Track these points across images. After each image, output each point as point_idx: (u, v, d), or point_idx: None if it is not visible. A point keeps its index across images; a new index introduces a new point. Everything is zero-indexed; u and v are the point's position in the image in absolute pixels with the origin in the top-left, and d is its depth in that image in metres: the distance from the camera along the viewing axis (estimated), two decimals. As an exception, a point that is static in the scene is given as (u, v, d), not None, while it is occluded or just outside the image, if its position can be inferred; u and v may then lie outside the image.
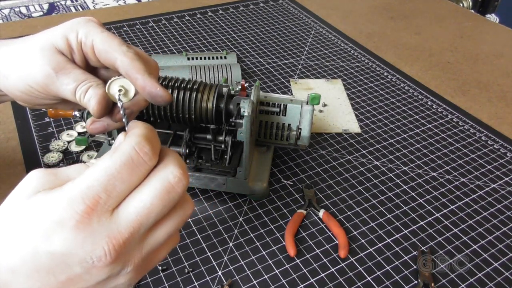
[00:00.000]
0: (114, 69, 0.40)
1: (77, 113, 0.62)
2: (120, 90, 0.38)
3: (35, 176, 0.29)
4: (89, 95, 0.38)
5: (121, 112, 0.37)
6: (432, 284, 0.53)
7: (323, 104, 0.83)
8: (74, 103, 0.42)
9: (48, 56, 0.39)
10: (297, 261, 0.55)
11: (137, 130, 0.30)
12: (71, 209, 0.26)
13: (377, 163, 0.71)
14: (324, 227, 0.60)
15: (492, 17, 1.61)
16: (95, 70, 0.43)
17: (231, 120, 0.56)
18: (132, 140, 0.29)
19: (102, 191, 0.27)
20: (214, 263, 0.54)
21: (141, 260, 0.30)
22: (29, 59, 0.40)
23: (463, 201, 0.65)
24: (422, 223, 0.61)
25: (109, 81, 0.38)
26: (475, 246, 0.59)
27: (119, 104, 0.37)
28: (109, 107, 0.39)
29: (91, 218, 0.27)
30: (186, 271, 0.53)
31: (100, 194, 0.27)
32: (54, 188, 0.28)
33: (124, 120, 0.36)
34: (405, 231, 0.60)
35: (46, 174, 0.29)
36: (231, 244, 0.57)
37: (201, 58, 0.87)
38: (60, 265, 0.27)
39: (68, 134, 0.72)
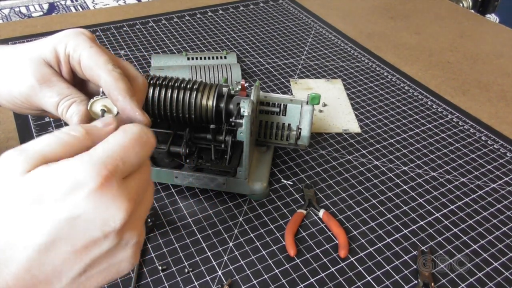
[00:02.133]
0: (97, 86, 0.40)
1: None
2: (102, 110, 0.38)
3: (17, 159, 0.27)
4: (71, 111, 0.38)
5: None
6: (432, 284, 0.53)
7: (323, 104, 0.83)
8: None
9: (34, 67, 0.39)
10: (297, 261, 0.55)
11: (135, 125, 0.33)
12: (94, 172, 0.27)
13: (377, 163, 0.71)
14: (324, 227, 0.60)
15: (492, 17, 1.61)
16: (84, 82, 0.43)
17: (231, 120, 0.56)
18: (138, 125, 0.32)
19: (120, 160, 0.29)
20: (214, 263, 0.54)
21: (142, 232, 0.31)
22: (15, 69, 0.40)
23: (463, 201, 0.65)
24: (422, 223, 0.61)
25: (91, 100, 0.38)
26: (475, 246, 0.59)
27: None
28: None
29: (111, 182, 0.28)
30: (186, 270, 0.53)
31: (119, 162, 0.29)
32: (41, 165, 0.27)
33: None
34: (405, 231, 0.60)
35: (26, 155, 0.28)
36: (231, 244, 0.57)
37: (201, 58, 0.87)
38: (80, 231, 0.27)
39: (68, 134, 0.72)
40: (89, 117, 0.38)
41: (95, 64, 0.38)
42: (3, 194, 0.27)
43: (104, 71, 0.38)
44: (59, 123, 0.74)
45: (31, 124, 0.74)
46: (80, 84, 0.42)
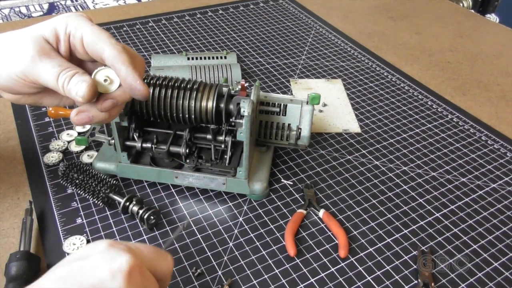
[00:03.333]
0: (100, 61, 0.41)
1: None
2: (105, 80, 0.39)
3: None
4: (76, 80, 0.39)
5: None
6: (432, 284, 0.53)
7: (323, 104, 0.83)
8: (54, 97, 0.43)
9: (34, 42, 0.40)
10: (297, 261, 0.55)
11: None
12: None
13: (377, 163, 0.71)
14: (324, 227, 0.60)
15: (492, 17, 1.61)
16: (80, 63, 0.44)
17: (231, 120, 0.57)
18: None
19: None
20: (214, 263, 0.54)
21: None
22: (16, 46, 0.41)
23: (463, 201, 0.65)
24: (422, 223, 0.61)
25: (96, 70, 0.40)
26: (475, 246, 0.59)
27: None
28: (96, 94, 0.40)
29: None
30: (193, 271, 0.53)
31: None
32: None
33: None
34: (405, 231, 0.60)
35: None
36: (231, 244, 0.57)
37: (201, 58, 0.87)
38: None
39: (68, 134, 0.72)
40: (95, 85, 0.39)
41: (98, 39, 0.40)
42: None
43: (107, 44, 0.40)
44: (58, 123, 0.74)
45: (31, 124, 0.74)
46: (78, 65, 0.43)
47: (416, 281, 0.54)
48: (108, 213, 0.59)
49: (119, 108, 0.44)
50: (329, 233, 0.59)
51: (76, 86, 0.39)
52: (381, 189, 0.66)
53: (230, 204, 0.62)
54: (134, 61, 0.42)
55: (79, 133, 0.72)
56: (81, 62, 0.44)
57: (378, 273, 0.54)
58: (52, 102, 0.46)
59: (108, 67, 0.40)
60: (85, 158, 0.67)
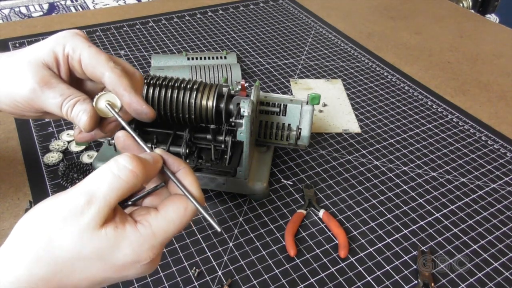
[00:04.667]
0: (101, 83, 0.41)
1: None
2: (107, 105, 0.39)
3: (83, 209, 0.31)
4: (77, 110, 0.39)
5: (119, 119, 0.39)
6: (432, 284, 0.53)
7: (323, 104, 0.83)
8: (54, 115, 0.43)
9: (33, 70, 0.40)
10: (297, 261, 0.55)
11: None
12: (152, 253, 0.33)
13: (377, 163, 0.71)
14: (324, 227, 0.60)
15: (492, 17, 1.61)
16: (80, 81, 0.44)
17: (231, 120, 0.56)
18: (193, 204, 0.35)
19: (173, 235, 0.34)
20: (214, 263, 0.54)
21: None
22: (15, 74, 0.40)
23: (463, 201, 0.65)
24: (422, 223, 0.61)
25: (96, 96, 0.39)
26: (475, 246, 0.59)
27: (114, 114, 0.39)
28: (97, 122, 0.40)
29: (160, 254, 0.34)
30: (192, 272, 0.53)
31: (171, 237, 0.34)
32: (106, 216, 0.32)
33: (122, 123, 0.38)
34: (405, 231, 0.60)
35: (91, 204, 0.31)
36: (231, 244, 0.57)
37: (201, 58, 0.87)
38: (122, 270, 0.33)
39: (68, 134, 0.72)
40: (96, 114, 0.39)
41: (97, 63, 0.40)
42: (72, 238, 0.31)
43: (106, 68, 0.39)
44: (58, 123, 0.74)
45: (31, 124, 0.74)
46: (77, 83, 0.43)
47: (416, 281, 0.54)
48: (108, 213, 0.59)
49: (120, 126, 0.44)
50: (329, 233, 0.59)
51: (78, 116, 0.39)
52: (381, 189, 0.66)
53: (230, 204, 0.62)
54: (135, 82, 0.41)
55: (79, 133, 0.72)
56: (81, 80, 0.44)
57: (378, 273, 0.54)
58: (58, 117, 0.46)
59: (109, 92, 0.40)
60: (85, 158, 0.67)
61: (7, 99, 0.41)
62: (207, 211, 0.35)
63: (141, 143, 0.37)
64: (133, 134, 0.37)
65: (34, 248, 0.31)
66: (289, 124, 0.63)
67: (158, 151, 0.36)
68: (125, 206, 0.35)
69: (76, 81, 0.43)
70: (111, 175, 0.32)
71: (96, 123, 0.40)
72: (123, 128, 0.39)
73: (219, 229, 0.35)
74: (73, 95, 0.40)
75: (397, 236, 0.59)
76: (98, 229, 0.31)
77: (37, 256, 0.31)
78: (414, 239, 0.59)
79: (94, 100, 0.39)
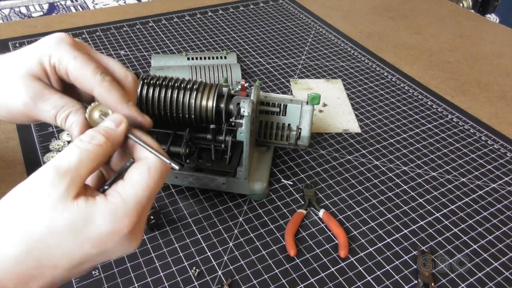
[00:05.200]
0: (89, 95, 0.41)
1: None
2: (100, 116, 0.39)
3: (52, 184, 0.31)
4: (70, 122, 0.39)
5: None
6: (432, 284, 0.53)
7: (323, 104, 0.83)
8: None
9: (25, 84, 0.39)
10: (297, 261, 0.55)
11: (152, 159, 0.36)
12: (128, 221, 0.33)
13: (377, 163, 0.71)
14: (324, 227, 0.60)
15: (492, 17, 1.61)
16: (73, 86, 0.43)
17: (231, 120, 0.56)
18: (159, 159, 0.36)
19: (147, 201, 0.35)
20: (214, 263, 0.54)
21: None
22: (8, 88, 0.40)
23: (463, 201, 0.65)
24: (422, 223, 0.61)
25: (88, 108, 0.38)
26: (475, 246, 0.59)
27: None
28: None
29: (137, 224, 0.34)
30: (192, 271, 0.53)
31: (146, 204, 0.35)
32: (77, 189, 0.32)
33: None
34: (405, 231, 0.60)
35: (62, 178, 0.32)
36: (231, 244, 0.57)
37: (201, 58, 0.87)
38: (103, 259, 0.34)
39: (68, 134, 0.72)
40: (88, 126, 0.39)
41: (83, 77, 0.39)
42: (43, 212, 0.31)
43: (94, 83, 0.39)
44: (59, 123, 0.74)
45: (31, 124, 0.74)
46: (71, 87, 0.43)
47: (416, 281, 0.54)
48: (108, 213, 0.59)
49: None
50: (329, 233, 0.59)
51: (71, 128, 0.39)
52: (381, 189, 0.66)
53: (230, 204, 0.62)
54: (125, 88, 0.41)
55: (79, 133, 0.72)
56: (72, 86, 0.43)
57: (378, 273, 0.54)
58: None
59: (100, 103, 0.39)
60: (85, 158, 0.67)
61: (4, 111, 0.41)
62: (165, 156, 0.35)
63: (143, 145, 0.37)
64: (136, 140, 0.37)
65: (5, 226, 0.31)
66: (289, 124, 0.63)
67: (117, 114, 0.37)
68: (103, 191, 0.35)
69: (71, 85, 0.42)
70: (78, 150, 0.33)
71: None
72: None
73: (176, 167, 0.35)
74: (66, 106, 0.39)
75: (397, 236, 0.59)
76: (70, 202, 0.31)
77: (9, 234, 0.31)
78: (414, 239, 0.59)
79: (87, 111, 0.38)
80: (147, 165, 0.35)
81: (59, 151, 0.68)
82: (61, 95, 0.40)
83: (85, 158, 0.33)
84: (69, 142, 0.70)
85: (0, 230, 0.31)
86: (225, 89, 0.58)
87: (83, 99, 0.43)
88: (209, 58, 0.88)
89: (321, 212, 0.61)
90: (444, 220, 0.62)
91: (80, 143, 0.34)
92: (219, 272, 0.53)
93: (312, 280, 0.53)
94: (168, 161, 0.36)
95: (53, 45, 0.40)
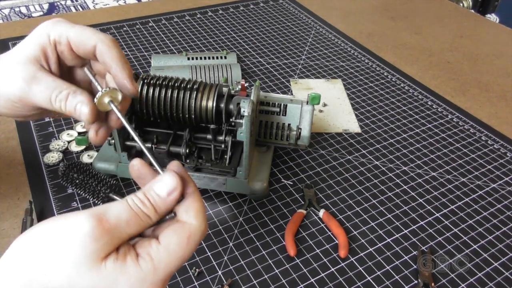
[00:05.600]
0: (93, 59, 0.40)
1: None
2: (109, 101, 0.39)
3: (91, 237, 0.28)
4: (73, 103, 0.38)
5: (121, 118, 0.38)
6: (432, 284, 0.53)
7: (323, 104, 0.83)
8: (58, 113, 0.42)
9: (21, 68, 0.39)
10: (297, 261, 0.55)
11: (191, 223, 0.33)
12: None
13: (377, 163, 0.71)
14: (324, 227, 0.60)
15: (492, 17, 1.61)
16: (71, 70, 0.43)
17: (231, 120, 0.56)
18: (200, 228, 0.33)
19: (176, 268, 0.31)
20: (214, 263, 0.54)
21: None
22: (5, 75, 0.40)
23: (463, 201, 0.65)
24: (422, 223, 0.61)
25: (99, 93, 0.38)
26: (475, 246, 0.59)
27: (116, 112, 0.39)
28: (98, 115, 0.40)
29: None
30: (192, 271, 0.53)
31: (174, 271, 0.31)
32: (112, 249, 0.29)
33: (124, 121, 0.38)
34: (405, 231, 0.60)
35: (102, 233, 0.29)
36: (231, 244, 0.57)
37: (201, 58, 0.87)
38: None
39: (68, 134, 0.72)
40: (95, 105, 0.39)
41: (85, 37, 0.39)
42: (70, 266, 0.28)
43: (96, 40, 0.39)
44: (59, 123, 0.74)
45: (31, 124, 0.74)
46: (68, 74, 0.43)
47: (416, 281, 0.54)
48: (108, 213, 0.59)
49: (124, 112, 0.44)
50: (329, 233, 0.59)
51: (77, 109, 0.38)
52: (381, 189, 0.66)
53: (230, 204, 0.62)
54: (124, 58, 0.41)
55: (79, 133, 0.72)
56: (71, 70, 0.43)
57: (378, 273, 0.54)
58: (55, 114, 0.45)
59: (108, 89, 0.39)
60: (85, 158, 0.67)
61: (3, 101, 0.41)
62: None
63: (156, 165, 0.35)
64: (146, 150, 0.36)
65: (26, 273, 0.28)
66: (289, 124, 0.63)
67: (172, 175, 0.32)
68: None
69: (68, 72, 0.43)
70: (130, 210, 0.30)
71: (97, 114, 0.39)
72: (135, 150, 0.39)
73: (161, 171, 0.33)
74: (60, 87, 0.39)
75: (397, 236, 0.59)
76: (98, 262, 0.28)
77: (28, 283, 0.28)
78: (414, 239, 0.59)
79: (97, 99, 0.39)
80: (189, 232, 0.32)
81: (59, 151, 0.68)
82: (55, 78, 0.40)
83: (133, 222, 0.30)
84: (69, 142, 0.70)
85: (21, 274, 0.28)
86: (225, 89, 0.58)
87: (81, 87, 0.42)
88: (209, 58, 0.88)
89: (321, 212, 0.61)
90: (444, 220, 0.62)
91: (136, 203, 0.31)
92: (219, 272, 0.53)
93: (312, 280, 0.53)
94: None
95: (50, 25, 0.40)
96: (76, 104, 0.38)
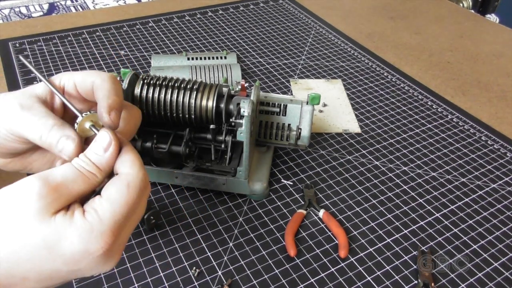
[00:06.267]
0: (94, 99, 0.40)
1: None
2: (91, 126, 0.38)
3: (38, 194, 0.31)
4: (58, 135, 0.37)
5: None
6: (432, 284, 0.53)
7: (323, 104, 0.83)
8: (45, 160, 0.43)
9: (23, 97, 0.39)
10: (297, 261, 0.55)
11: (134, 168, 0.35)
12: (103, 242, 0.32)
13: (377, 163, 0.71)
14: (324, 227, 0.60)
15: (492, 17, 1.61)
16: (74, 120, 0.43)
17: (231, 120, 0.56)
18: (139, 174, 0.35)
19: (125, 219, 0.33)
20: (214, 263, 0.54)
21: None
22: (6, 101, 0.39)
23: (463, 201, 0.65)
24: (422, 223, 0.61)
25: (79, 118, 0.37)
26: (475, 246, 0.59)
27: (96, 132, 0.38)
28: (82, 147, 0.38)
29: (114, 245, 0.33)
30: (193, 272, 0.53)
31: (123, 222, 0.33)
32: (60, 206, 0.32)
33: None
34: (405, 231, 0.60)
35: (49, 191, 0.31)
36: (231, 244, 0.57)
37: (201, 58, 0.87)
38: (75, 275, 0.33)
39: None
40: (81, 139, 0.38)
41: (87, 75, 0.40)
42: (20, 223, 0.30)
43: (96, 76, 0.40)
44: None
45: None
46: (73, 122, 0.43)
47: (416, 281, 0.54)
48: (108, 213, 0.59)
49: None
50: (329, 233, 0.59)
51: (60, 142, 0.36)
52: (381, 189, 0.66)
53: (230, 204, 0.62)
54: (129, 110, 0.41)
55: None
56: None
57: (378, 273, 0.54)
58: (42, 166, 0.44)
59: (94, 113, 0.38)
60: (85, 158, 0.67)
61: None
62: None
63: (71, 107, 0.37)
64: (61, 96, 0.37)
65: None
66: (289, 124, 0.63)
67: (104, 133, 0.36)
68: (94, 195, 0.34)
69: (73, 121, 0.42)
70: (75, 170, 0.33)
71: (81, 150, 0.37)
72: None
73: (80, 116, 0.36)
74: (50, 117, 0.37)
75: (397, 236, 0.59)
76: (48, 216, 0.31)
77: None
78: (414, 239, 0.59)
79: (78, 121, 0.37)
80: (126, 181, 0.34)
81: (59, 151, 0.68)
82: (49, 111, 0.38)
83: (80, 180, 0.33)
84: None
85: None
86: (225, 89, 0.58)
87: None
88: (209, 58, 0.88)
89: (321, 212, 0.61)
90: (444, 220, 0.62)
91: (78, 163, 0.34)
92: (219, 272, 0.53)
93: (312, 280, 0.53)
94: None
95: (61, 74, 0.41)
96: (60, 138, 0.37)
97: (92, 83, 0.39)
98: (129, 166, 0.35)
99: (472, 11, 1.46)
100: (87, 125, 0.38)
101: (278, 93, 0.85)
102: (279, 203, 0.63)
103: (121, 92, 0.40)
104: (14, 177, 0.65)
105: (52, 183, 0.31)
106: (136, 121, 0.43)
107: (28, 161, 0.44)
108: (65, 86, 0.40)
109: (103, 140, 0.35)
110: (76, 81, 0.40)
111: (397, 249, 0.58)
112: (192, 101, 0.56)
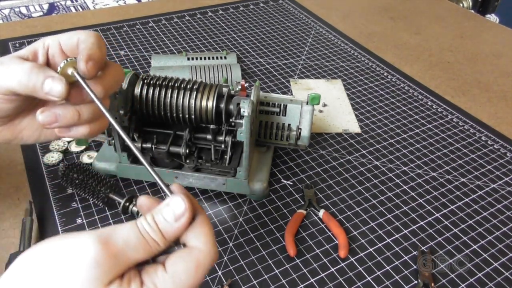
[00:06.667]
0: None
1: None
2: (72, 72, 0.38)
3: (95, 260, 0.27)
4: (42, 75, 0.37)
5: (86, 88, 0.36)
6: (432, 284, 0.53)
7: (323, 104, 0.83)
8: (34, 128, 0.43)
9: (5, 58, 0.40)
10: (297, 261, 0.55)
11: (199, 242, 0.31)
12: None
13: (377, 163, 0.71)
14: (324, 227, 0.60)
15: (492, 17, 1.61)
16: None
17: (231, 120, 0.57)
18: (210, 256, 0.31)
19: None
20: (214, 263, 0.54)
21: None
22: None
23: (463, 201, 0.65)
24: (422, 223, 0.61)
25: (62, 64, 0.38)
26: (475, 246, 0.59)
27: (80, 80, 0.37)
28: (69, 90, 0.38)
29: None
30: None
31: None
32: (116, 276, 0.28)
33: (94, 97, 0.36)
34: (405, 231, 0.60)
35: (108, 258, 0.28)
36: (231, 244, 0.57)
37: (201, 58, 0.87)
38: None
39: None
40: (65, 80, 0.38)
41: (73, 34, 0.40)
42: None
43: (81, 34, 0.40)
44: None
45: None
46: None
47: (416, 281, 0.54)
48: (108, 213, 0.59)
49: (101, 123, 0.43)
50: (329, 233, 0.59)
51: (47, 83, 0.36)
52: (381, 189, 0.66)
53: (230, 204, 0.62)
54: (110, 66, 0.41)
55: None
56: None
57: (378, 273, 0.54)
58: (32, 134, 0.45)
59: (70, 59, 0.39)
60: (85, 159, 0.67)
61: None
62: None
63: (159, 181, 0.32)
64: (101, 107, 0.36)
65: None
66: (289, 124, 0.63)
67: (179, 200, 0.30)
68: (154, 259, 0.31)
69: None
70: (139, 235, 0.29)
71: (69, 90, 0.38)
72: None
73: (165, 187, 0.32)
74: (34, 64, 0.39)
75: (397, 236, 0.59)
76: (103, 287, 0.27)
77: None
78: (414, 239, 0.59)
79: (60, 66, 0.38)
80: (197, 260, 0.30)
81: (59, 151, 0.68)
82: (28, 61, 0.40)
83: (141, 248, 0.29)
84: (69, 142, 0.70)
85: None
86: (225, 89, 0.58)
87: None
88: (209, 58, 0.88)
89: (321, 212, 0.61)
90: (444, 220, 0.62)
91: (144, 227, 0.29)
92: (219, 272, 0.53)
93: (312, 280, 0.53)
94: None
95: (48, 36, 0.42)
96: (46, 79, 0.37)
97: (77, 39, 0.40)
98: (203, 242, 0.31)
99: (472, 11, 1.46)
100: (69, 71, 0.38)
101: (278, 93, 0.85)
102: (279, 203, 0.63)
103: (104, 49, 0.40)
104: (14, 177, 0.66)
105: (113, 248, 0.28)
106: (117, 78, 0.43)
107: (18, 129, 0.44)
108: (49, 46, 0.41)
109: (176, 207, 0.30)
110: (62, 40, 0.40)
111: (397, 249, 0.58)
112: (192, 101, 0.56)
